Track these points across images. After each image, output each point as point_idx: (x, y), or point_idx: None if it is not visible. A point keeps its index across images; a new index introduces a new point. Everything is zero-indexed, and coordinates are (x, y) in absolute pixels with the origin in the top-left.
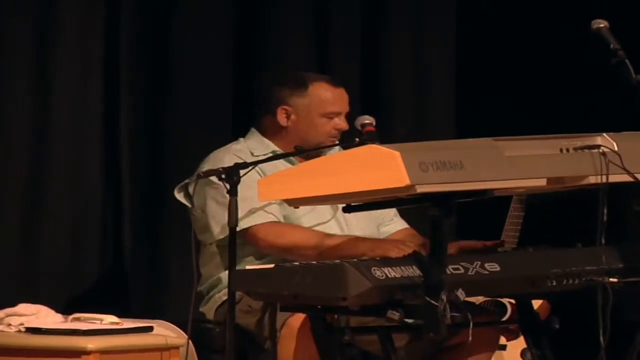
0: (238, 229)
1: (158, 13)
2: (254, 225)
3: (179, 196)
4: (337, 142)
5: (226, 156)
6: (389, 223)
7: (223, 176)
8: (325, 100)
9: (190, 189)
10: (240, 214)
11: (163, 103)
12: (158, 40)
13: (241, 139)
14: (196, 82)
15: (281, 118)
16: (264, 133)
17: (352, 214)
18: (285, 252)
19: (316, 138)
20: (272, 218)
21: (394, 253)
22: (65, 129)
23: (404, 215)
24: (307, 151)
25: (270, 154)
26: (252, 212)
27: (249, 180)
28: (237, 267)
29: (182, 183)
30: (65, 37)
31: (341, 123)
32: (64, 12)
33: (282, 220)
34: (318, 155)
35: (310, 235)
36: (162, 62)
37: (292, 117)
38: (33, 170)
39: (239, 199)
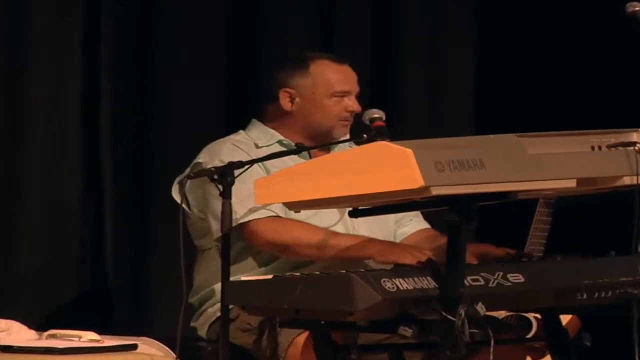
0: (235, 223)
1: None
2: (254, 220)
3: (175, 194)
4: (348, 125)
5: (224, 147)
6: (408, 223)
7: (215, 177)
8: (330, 79)
9: (184, 187)
10: (242, 212)
11: (148, 102)
12: (143, 34)
13: (241, 131)
14: (185, 79)
15: (284, 102)
16: (267, 122)
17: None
18: (285, 251)
19: (325, 122)
20: (273, 213)
21: (409, 260)
22: (41, 131)
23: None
24: (308, 148)
25: (276, 144)
26: (253, 209)
27: (252, 176)
28: (236, 275)
29: (179, 178)
30: (41, 31)
31: (352, 104)
32: (40, 9)
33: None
34: (325, 152)
35: (314, 232)
36: (147, 58)
37: (297, 100)
38: (8, 176)
39: (241, 194)
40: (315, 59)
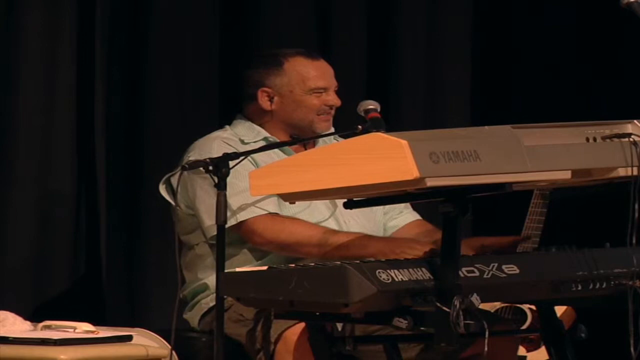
0: (234, 222)
1: None
2: (251, 218)
3: (163, 191)
4: (330, 120)
5: (214, 144)
6: (398, 216)
7: (211, 168)
8: (306, 76)
9: (174, 183)
10: (234, 207)
11: (142, 96)
12: (135, 25)
13: (227, 127)
14: (180, 76)
15: (263, 102)
16: (251, 120)
17: (351, 210)
18: (284, 249)
19: (306, 117)
20: (270, 210)
21: (410, 256)
22: (33, 120)
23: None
24: (304, 140)
25: (262, 141)
26: (248, 205)
27: (243, 171)
28: (230, 269)
29: (167, 176)
30: (32, 23)
31: (331, 98)
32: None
33: (279, 213)
34: (315, 145)
35: (313, 231)
36: (140, 50)
37: (275, 99)
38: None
39: (234, 191)
40: (289, 57)
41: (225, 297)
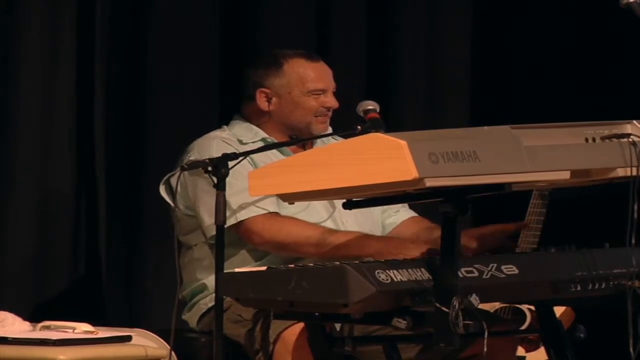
0: (234, 221)
1: None
2: (250, 218)
3: (163, 192)
4: (327, 121)
5: (213, 144)
6: (395, 214)
7: (210, 168)
8: (304, 78)
9: (174, 183)
10: (234, 207)
11: (141, 94)
12: (135, 25)
13: (225, 127)
14: (180, 77)
15: (261, 102)
16: (248, 120)
17: (350, 211)
18: (283, 249)
19: (303, 118)
20: (269, 210)
21: (408, 257)
22: (32, 120)
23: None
24: (303, 140)
25: (260, 142)
26: (247, 204)
27: (243, 171)
28: (229, 269)
29: (167, 176)
30: (32, 23)
31: (329, 100)
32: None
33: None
34: (313, 145)
35: (312, 231)
36: (140, 50)
37: (274, 100)
38: None
39: (233, 191)
40: (289, 58)
41: (224, 297)
